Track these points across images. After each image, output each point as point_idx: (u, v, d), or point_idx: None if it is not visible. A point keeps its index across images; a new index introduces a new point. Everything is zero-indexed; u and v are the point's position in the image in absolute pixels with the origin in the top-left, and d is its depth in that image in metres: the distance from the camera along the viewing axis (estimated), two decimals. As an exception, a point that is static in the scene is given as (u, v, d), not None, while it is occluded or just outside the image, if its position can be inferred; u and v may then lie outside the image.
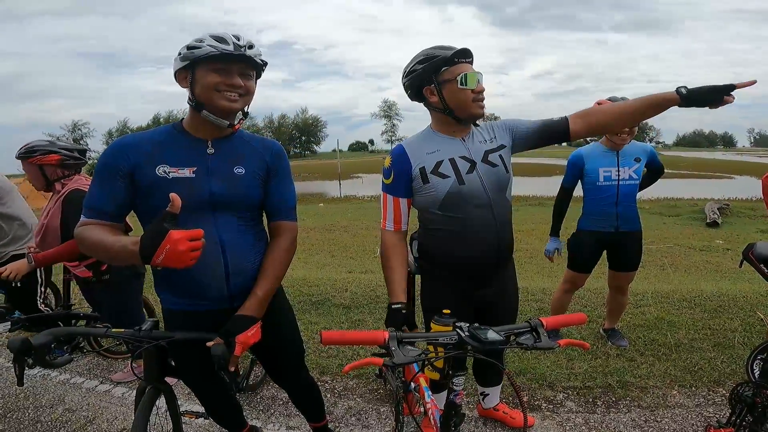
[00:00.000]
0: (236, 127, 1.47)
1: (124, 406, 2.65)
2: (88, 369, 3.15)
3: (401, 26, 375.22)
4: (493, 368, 2.14)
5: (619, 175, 2.80)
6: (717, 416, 2.33)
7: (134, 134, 1.45)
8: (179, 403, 1.78)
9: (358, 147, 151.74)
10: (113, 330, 1.48)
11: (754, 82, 1.48)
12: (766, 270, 1.96)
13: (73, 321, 3.04)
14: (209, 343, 1.38)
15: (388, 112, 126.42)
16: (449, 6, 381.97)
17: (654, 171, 3.01)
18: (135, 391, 2.73)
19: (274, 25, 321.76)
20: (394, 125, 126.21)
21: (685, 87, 1.50)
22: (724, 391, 2.56)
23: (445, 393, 1.40)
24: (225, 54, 1.34)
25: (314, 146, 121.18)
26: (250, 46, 1.38)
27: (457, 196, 1.69)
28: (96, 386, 2.91)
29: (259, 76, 1.49)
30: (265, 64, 1.46)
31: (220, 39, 1.34)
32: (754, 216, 12.76)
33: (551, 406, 2.51)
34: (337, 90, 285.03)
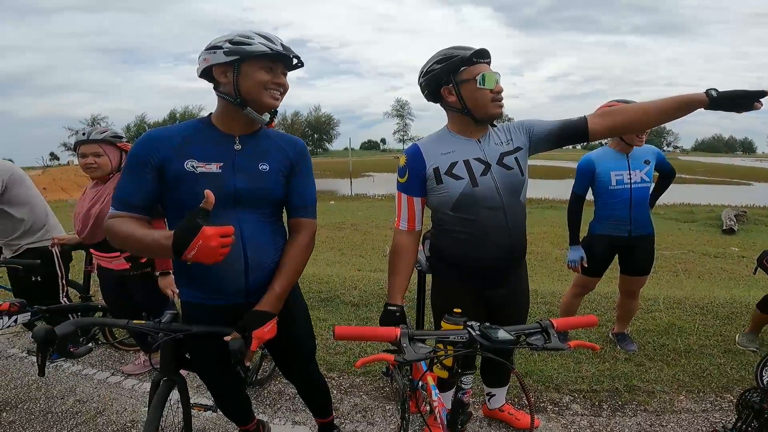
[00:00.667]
0: (272, 124, 1.50)
1: (134, 398, 2.69)
2: (100, 360, 3.19)
3: (416, 26, 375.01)
4: (500, 369, 2.15)
5: (631, 179, 2.77)
6: (723, 422, 2.33)
7: (163, 127, 1.47)
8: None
9: (369, 146, 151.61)
10: (134, 321, 1.51)
11: None
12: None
13: (91, 312, 3.10)
14: (227, 338, 1.40)
15: (401, 111, 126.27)
16: (464, 6, 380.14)
17: (666, 175, 2.97)
18: (144, 384, 2.80)
19: (289, 22, 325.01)
20: (406, 124, 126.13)
21: (716, 89, 1.47)
22: (731, 397, 2.54)
23: (450, 392, 1.41)
24: (276, 53, 1.38)
25: (326, 144, 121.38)
26: None
27: (470, 198, 1.70)
28: (107, 378, 2.95)
29: None
30: (303, 65, 1.51)
31: (267, 38, 1.39)
32: (771, 223, 12.58)
33: (557, 408, 2.52)
34: (350, 88, 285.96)
